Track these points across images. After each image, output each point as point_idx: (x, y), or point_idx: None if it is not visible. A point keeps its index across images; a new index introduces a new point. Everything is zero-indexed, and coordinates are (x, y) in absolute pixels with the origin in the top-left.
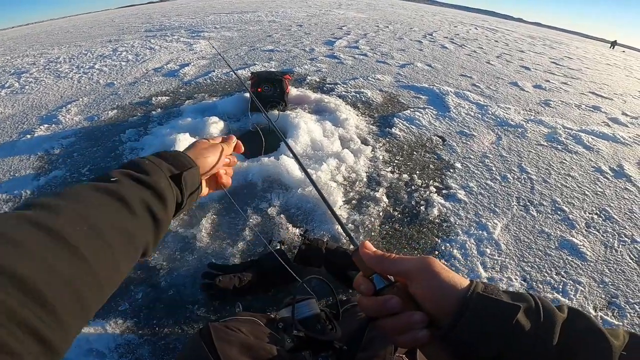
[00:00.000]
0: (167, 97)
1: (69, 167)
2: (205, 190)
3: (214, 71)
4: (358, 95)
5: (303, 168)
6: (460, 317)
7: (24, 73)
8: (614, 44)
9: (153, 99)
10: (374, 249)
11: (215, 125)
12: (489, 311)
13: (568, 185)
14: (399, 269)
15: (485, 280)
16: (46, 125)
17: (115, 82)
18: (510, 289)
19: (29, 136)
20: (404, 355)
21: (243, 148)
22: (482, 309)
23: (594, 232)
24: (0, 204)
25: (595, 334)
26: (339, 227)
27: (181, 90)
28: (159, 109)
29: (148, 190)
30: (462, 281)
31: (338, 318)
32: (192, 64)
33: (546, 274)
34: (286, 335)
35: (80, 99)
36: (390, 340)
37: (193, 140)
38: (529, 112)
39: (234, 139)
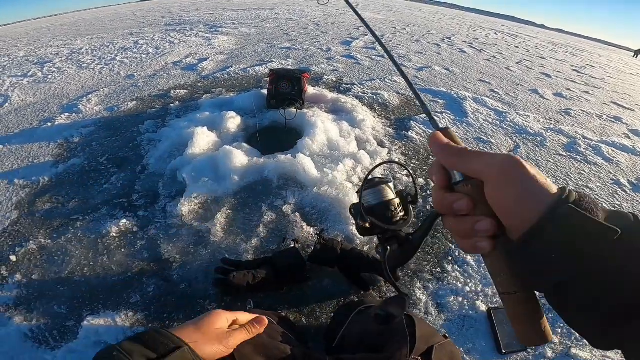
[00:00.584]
0: (185, 91)
1: (87, 156)
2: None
3: (232, 67)
4: (375, 97)
5: None
6: (537, 232)
7: (47, 63)
8: (638, 52)
9: (172, 92)
10: (448, 141)
11: (233, 120)
12: (576, 230)
13: None
14: (476, 166)
15: None
16: (67, 114)
17: (135, 74)
18: None
19: (49, 124)
20: (419, 357)
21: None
22: (567, 227)
23: None
24: (18, 189)
25: None
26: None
27: (199, 84)
28: (177, 102)
29: None
30: (552, 188)
31: (415, 203)
32: (210, 58)
33: None
34: (358, 220)
35: (101, 90)
36: (455, 239)
37: (210, 134)
38: (548, 121)
39: (265, 322)
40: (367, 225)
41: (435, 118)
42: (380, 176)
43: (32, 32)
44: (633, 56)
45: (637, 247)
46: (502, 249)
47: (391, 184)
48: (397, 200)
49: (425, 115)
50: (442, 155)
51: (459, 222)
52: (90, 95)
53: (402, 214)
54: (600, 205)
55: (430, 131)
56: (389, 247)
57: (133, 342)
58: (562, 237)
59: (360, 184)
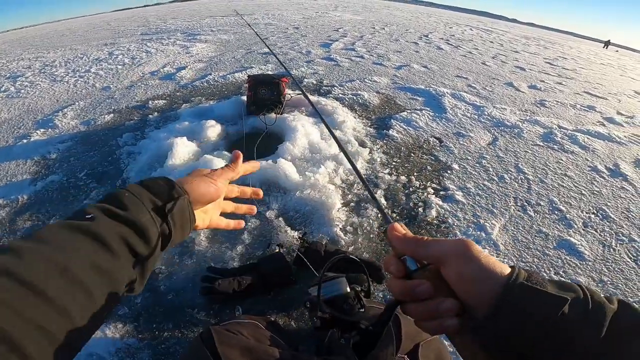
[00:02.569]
0: (164, 101)
1: (65, 172)
2: (203, 222)
3: (210, 74)
4: (355, 98)
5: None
6: (499, 308)
7: (20, 77)
8: (607, 43)
9: (150, 102)
10: (405, 231)
11: (213, 129)
12: (532, 303)
13: (565, 185)
14: (432, 252)
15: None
16: (42, 130)
17: (111, 85)
18: None
19: (25, 141)
20: (405, 356)
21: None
22: (525, 301)
23: (592, 231)
24: None
25: None
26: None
27: (178, 93)
28: (156, 113)
29: (126, 227)
30: (503, 268)
31: (369, 296)
32: (188, 67)
33: (545, 274)
34: (312, 315)
35: (77, 103)
36: (417, 325)
37: (190, 144)
38: (524, 113)
39: (239, 160)
40: (327, 316)
41: (386, 211)
42: (334, 273)
43: (2, 45)
44: (603, 47)
45: (585, 314)
46: (467, 326)
47: (344, 279)
48: (352, 293)
49: (405, 113)
50: (404, 246)
51: (421, 307)
52: (65, 110)
53: (358, 306)
54: (547, 278)
55: (410, 129)
56: (351, 338)
57: (140, 187)
58: (519, 312)
59: (344, 185)
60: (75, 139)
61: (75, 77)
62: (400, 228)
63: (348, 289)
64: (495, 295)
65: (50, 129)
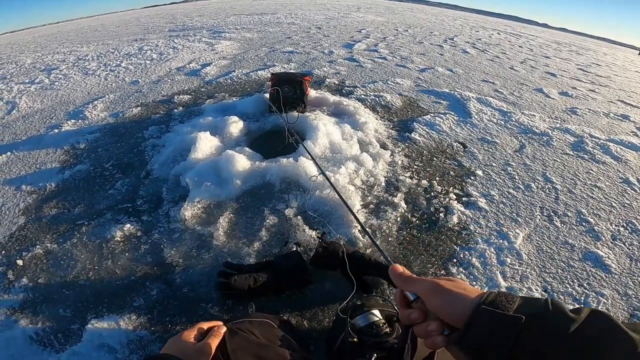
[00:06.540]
0: (188, 96)
1: (92, 162)
2: None
3: (234, 71)
4: (377, 99)
5: (320, 169)
6: (468, 328)
7: (54, 70)
8: None
9: (175, 97)
10: (402, 270)
11: (235, 125)
12: (493, 322)
13: (594, 196)
14: (416, 289)
15: (503, 289)
16: (73, 121)
17: (140, 80)
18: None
19: (56, 131)
20: None
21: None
22: (487, 322)
23: (620, 244)
24: (25, 195)
25: (613, 331)
26: (364, 237)
27: (202, 89)
28: (181, 107)
29: None
30: (472, 294)
31: (398, 321)
32: (213, 63)
33: (568, 285)
34: (345, 338)
35: (107, 96)
36: (424, 343)
37: (213, 138)
38: (554, 120)
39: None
40: (355, 340)
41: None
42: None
43: (39, 38)
44: (638, 54)
45: (543, 327)
46: (452, 342)
47: (376, 310)
48: (381, 321)
49: (429, 117)
50: (399, 282)
51: (418, 328)
52: (95, 102)
53: (387, 329)
54: (517, 296)
55: (434, 132)
56: (375, 354)
57: None
58: (483, 331)
59: (364, 187)
60: (104, 130)
61: (107, 71)
62: (399, 267)
63: (377, 317)
64: (467, 316)
65: (80, 120)
